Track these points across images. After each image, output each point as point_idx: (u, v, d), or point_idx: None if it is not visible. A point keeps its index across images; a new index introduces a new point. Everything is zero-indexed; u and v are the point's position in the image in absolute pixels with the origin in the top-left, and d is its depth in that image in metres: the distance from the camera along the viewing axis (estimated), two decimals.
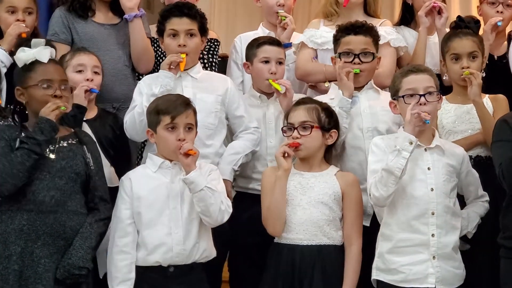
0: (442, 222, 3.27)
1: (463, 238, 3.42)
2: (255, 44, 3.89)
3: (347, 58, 3.67)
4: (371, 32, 3.73)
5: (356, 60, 3.66)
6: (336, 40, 3.75)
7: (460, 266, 3.33)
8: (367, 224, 3.56)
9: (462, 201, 3.48)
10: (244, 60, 3.97)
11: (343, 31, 3.72)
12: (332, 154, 3.59)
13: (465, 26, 3.78)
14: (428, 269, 3.25)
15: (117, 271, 3.26)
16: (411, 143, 3.19)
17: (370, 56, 3.69)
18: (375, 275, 3.34)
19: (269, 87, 3.81)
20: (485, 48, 3.83)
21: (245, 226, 3.69)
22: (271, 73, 3.81)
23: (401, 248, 3.28)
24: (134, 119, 3.62)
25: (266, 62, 3.83)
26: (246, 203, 3.73)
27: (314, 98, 3.77)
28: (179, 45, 3.68)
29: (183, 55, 3.65)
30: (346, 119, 3.61)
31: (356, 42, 3.68)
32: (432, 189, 3.28)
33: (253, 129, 3.78)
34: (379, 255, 3.34)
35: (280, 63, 3.85)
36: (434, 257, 3.25)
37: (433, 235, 3.25)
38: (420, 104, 3.27)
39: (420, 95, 3.29)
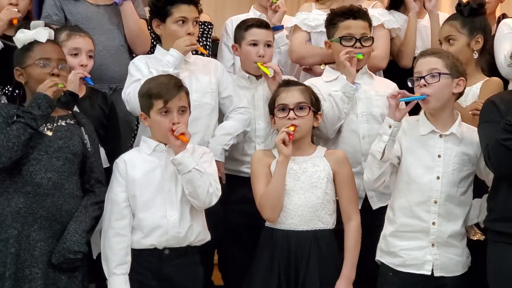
0: (444, 211, 3.24)
1: (479, 228, 3.34)
2: (243, 27, 3.87)
3: (348, 42, 3.67)
4: (367, 17, 3.74)
5: (358, 44, 3.66)
6: (333, 24, 3.73)
7: (463, 253, 3.29)
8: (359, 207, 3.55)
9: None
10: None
11: (340, 15, 3.71)
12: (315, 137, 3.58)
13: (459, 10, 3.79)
14: (426, 256, 3.24)
15: (113, 254, 3.21)
16: (390, 126, 3.19)
17: (369, 41, 3.70)
18: (378, 255, 3.36)
19: (258, 69, 3.80)
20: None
21: (234, 207, 3.70)
22: (259, 56, 3.79)
23: (402, 233, 3.28)
24: None
25: (254, 45, 3.81)
26: (235, 186, 3.73)
27: (308, 80, 3.79)
28: (189, 33, 3.64)
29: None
30: (347, 105, 3.61)
31: (357, 26, 3.68)
32: (438, 177, 3.25)
33: (243, 109, 3.77)
34: (383, 236, 3.35)
35: (269, 45, 3.84)
36: (433, 245, 3.24)
37: (434, 223, 3.24)
38: (420, 86, 3.24)
39: (420, 77, 3.26)
